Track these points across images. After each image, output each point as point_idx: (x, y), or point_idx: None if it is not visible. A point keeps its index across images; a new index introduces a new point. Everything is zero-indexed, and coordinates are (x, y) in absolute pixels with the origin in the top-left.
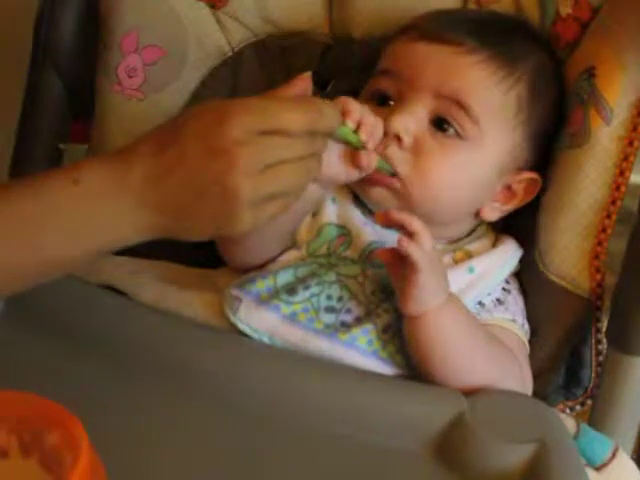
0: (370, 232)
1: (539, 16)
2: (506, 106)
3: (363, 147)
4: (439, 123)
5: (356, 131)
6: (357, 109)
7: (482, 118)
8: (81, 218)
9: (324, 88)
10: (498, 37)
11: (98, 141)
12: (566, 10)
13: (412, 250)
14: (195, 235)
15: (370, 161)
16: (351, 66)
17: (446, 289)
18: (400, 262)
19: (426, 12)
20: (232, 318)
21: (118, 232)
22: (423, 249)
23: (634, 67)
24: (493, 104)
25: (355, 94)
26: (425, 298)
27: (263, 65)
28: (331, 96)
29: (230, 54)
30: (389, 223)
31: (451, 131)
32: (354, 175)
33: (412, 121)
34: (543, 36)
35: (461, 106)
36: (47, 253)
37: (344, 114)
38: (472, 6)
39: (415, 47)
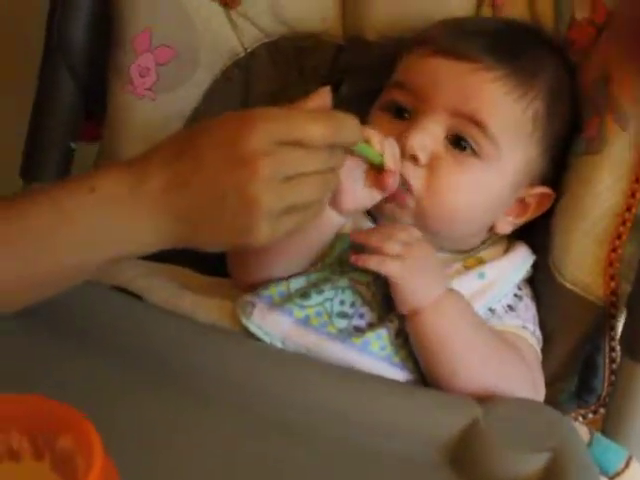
0: None
1: (554, 20)
2: (523, 124)
3: (382, 164)
4: (456, 141)
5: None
6: (374, 132)
7: (499, 136)
8: (97, 227)
9: (336, 90)
10: (514, 52)
11: (109, 140)
12: (582, 14)
13: (373, 265)
14: (212, 245)
15: (393, 181)
16: (364, 68)
17: (437, 287)
18: None
19: (440, 22)
20: (245, 322)
21: (134, 241)
22: (388, 259)
23: None
24: (510, 122)
25: (368, 96)
26: (409, 298)
27: (276, 66)
28: (344, 98)
29: (242, 54)
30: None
31: (466, 148)
32: (377, 197)
33: (428, 139)
34: (558, 42)
35: (478, 125)
36: (65, 263)
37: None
38: (487, 9)
39: (431, 62)
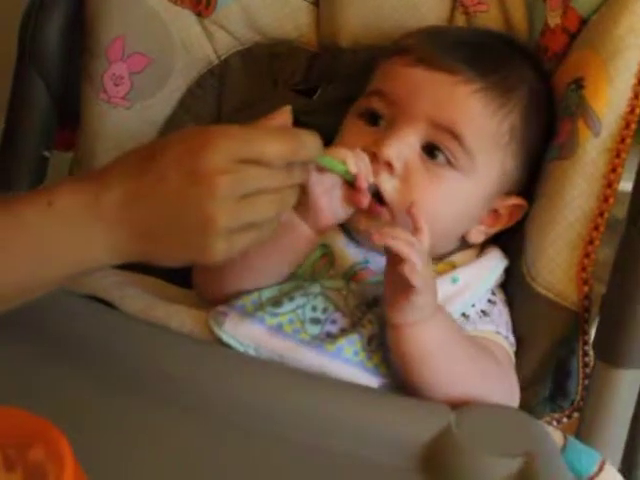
0: (353, 253)
1: (527, 26)
2: (499, 136)
3: (351, 176)
4: (430, 150)
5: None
6: (344, 150)
7: (475, 149)
8: (54, 241)
9: (311, 96)
10: (493, 65)
11: (83, 149)
12: (555, 21)
13: (412, 277)
14: (168, 261)
15: (365, 198)
16: (338, 75)
17: (435, 303)
18: (396, 273)
19: (418, 30)
20: (217, 331)
21: (91, 256)
22: (419, 272)
23: (620, 79)
24: (486, 135)
25: (342, 102)
26: (414, 312)
27: (249, 73)
28: (317, 105)
29: (216, 62)
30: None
31: (441, 158)
32: (350, 212)
33: (405, 148)
34: (532, 51)
35: (455, 136)
36: (20, 277)
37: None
38: (460, 16)
39: (410, 72)
